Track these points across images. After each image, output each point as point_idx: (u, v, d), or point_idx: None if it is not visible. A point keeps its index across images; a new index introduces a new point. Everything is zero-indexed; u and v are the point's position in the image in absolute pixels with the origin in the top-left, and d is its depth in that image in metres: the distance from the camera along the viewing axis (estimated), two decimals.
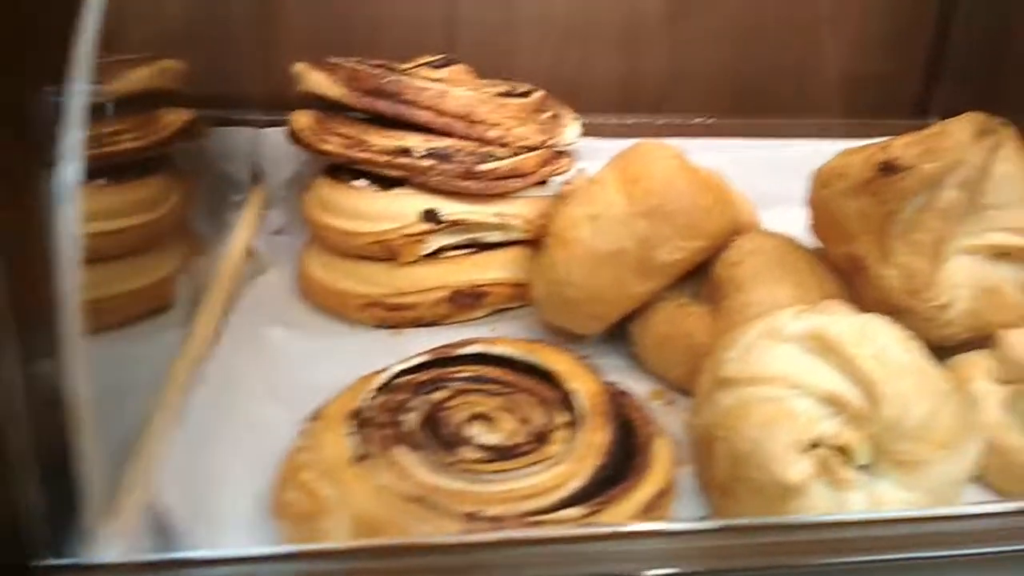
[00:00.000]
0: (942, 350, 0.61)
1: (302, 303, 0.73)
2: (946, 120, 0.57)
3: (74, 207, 0.34)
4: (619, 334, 0.68)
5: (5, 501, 0.36)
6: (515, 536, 0.42)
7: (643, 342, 0.67)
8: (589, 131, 0.87)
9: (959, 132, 0.55)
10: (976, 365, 0.60)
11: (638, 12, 0.95)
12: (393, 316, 0.70)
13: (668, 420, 0.58)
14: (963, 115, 0.56)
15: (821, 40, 0.99)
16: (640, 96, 0.98)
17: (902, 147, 0.57)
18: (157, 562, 0.38)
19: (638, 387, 0.64)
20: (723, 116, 0.97)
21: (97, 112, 0.52)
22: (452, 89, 0.69)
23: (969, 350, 0.61)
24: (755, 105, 0.99)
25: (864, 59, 1.01)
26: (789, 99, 1.01)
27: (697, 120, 0.96)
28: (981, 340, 0.60)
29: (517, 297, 0.73)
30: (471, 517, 0.44)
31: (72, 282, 0.34)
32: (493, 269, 0.72)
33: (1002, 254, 0.59)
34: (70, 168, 0.34)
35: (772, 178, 0.72)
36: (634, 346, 0.68)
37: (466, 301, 0.70)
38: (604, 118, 0.93)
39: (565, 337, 0.68)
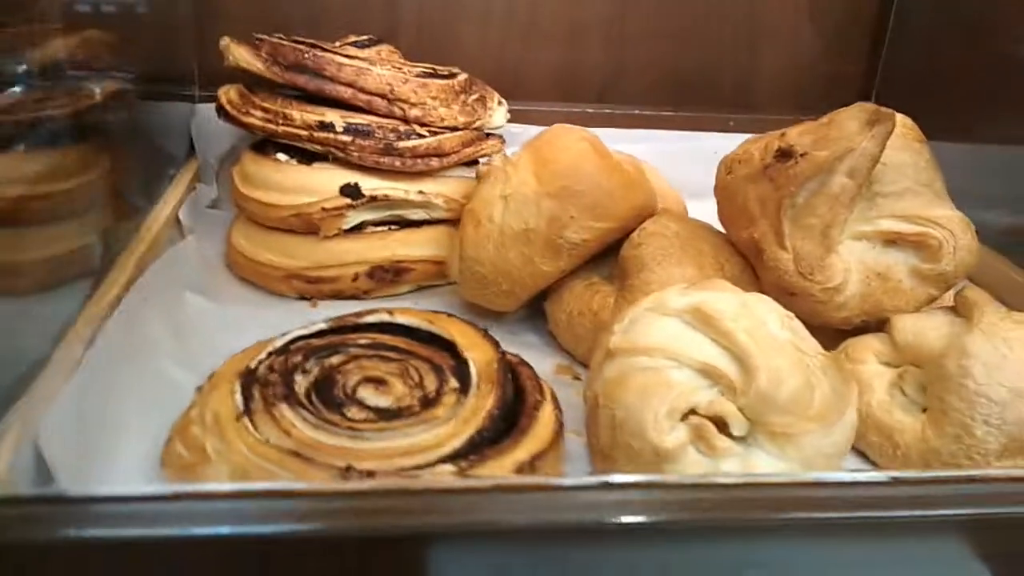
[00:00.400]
0: (842, 333, 0.63)
1: (227, 274, 0.75)
2: (838, 110, 0.59)
3: None
4: (539, 312, 0.70)
5: None
6: (386, 486, 0.43)
7: (556, 319, 0.68)
8: (531, 119, 0.89)
9: (848, 121, 0.57)
10: (869, 347, 0.62)
11: (582, 2, 0.97)
12: (313, 289, 0.71)
13: (570, 393, 0.60)
14: (854, 105, 0.58)
15: (763, 36, 1.01)
16: (582, 86, 1.00)
17: (797, 135, 0.59)
18: (29, 498, 0.39)
19: (549, 363, 0.66)
20: (664, 109, 0.99)
21: (14, 78, 0.54)
22: (372, 67, 0.70)
23: (867, 333, 0.63)
24: (696, 99, 1.01)
25: (805, 56, 1.02)
26: (730, 94, 1.03)
27: (637, 112, 0.98)
28: (878, 324, 0.62)
29: (440, 275, 0.74)
30: (346, 471, 0.46)
31: None
32: (415, 246, 0.73)
33: (892, 240, 0.61)
34: None
35: (708, 170, 0.73)
36: (548, 323, 0.69)
37: (386, 276, 0.72)
38: (547, 106, 0.95)
39: (486, 314, 0.70)
